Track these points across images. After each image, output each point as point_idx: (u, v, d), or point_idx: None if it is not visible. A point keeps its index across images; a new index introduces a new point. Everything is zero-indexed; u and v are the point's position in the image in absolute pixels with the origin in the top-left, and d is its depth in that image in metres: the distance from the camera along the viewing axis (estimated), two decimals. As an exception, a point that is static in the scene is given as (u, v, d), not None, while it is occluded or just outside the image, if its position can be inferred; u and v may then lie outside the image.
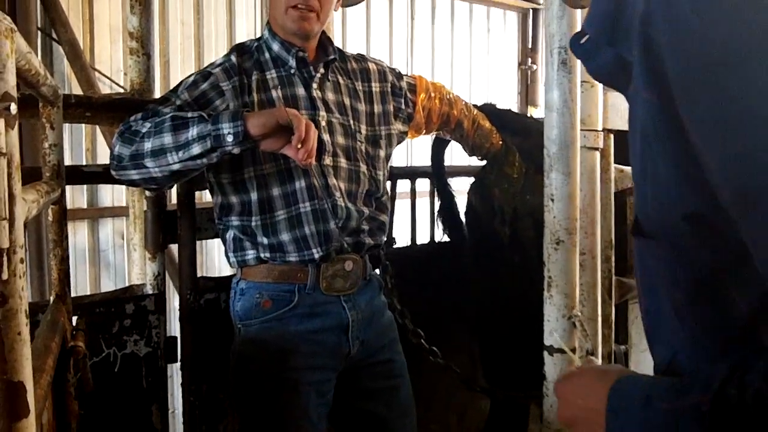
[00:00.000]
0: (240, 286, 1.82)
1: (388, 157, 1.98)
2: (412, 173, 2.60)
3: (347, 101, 1.89)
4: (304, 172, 1.75)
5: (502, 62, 7.06)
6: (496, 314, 2.38)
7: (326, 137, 1.80)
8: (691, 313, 0.70)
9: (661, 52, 0.62)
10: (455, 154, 2.87)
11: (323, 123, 1.81)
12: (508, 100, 6.86)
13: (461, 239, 2.43)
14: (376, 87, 1.97)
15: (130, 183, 1.68)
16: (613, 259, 1.96)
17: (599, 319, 1.85)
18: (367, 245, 1.87)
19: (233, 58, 1.78)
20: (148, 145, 1.59)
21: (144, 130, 1.62)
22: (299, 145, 1.57)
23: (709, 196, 0.62)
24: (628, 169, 2.05)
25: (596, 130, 1.80)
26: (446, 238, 2.50)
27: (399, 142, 2.06)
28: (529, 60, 7.15)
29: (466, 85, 6.67)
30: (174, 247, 2.09)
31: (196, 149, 1.56)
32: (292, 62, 1.80)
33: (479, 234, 2.38)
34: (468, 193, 2.46)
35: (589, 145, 1.78)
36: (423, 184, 2.55)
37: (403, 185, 2.56)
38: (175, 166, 1.59)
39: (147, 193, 2.00)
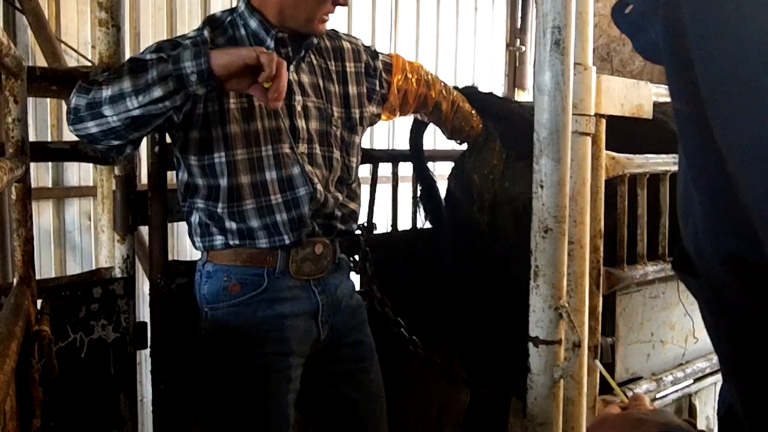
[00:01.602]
0: (207, 269, 1.82)
1: (359, 142, 2.00)
2: (393, 157, 2.60)
3: (321, 82, 1.89)
4: (276, 161, 1.75)
5: (490, 43, 7.05)
6: (476, 304, 2.40)
7: (301, 123, 1.81)
8: (739, 375, 0.60)
9: (690, 46, 0.51)
10: (439, 138, 2.86)
11: (298, 108, 1.81)
12: (495, 82, 6.86)
13: (442, 226, 2.45)
14: (350, 67, 1.97)
15: (89, 138, 1.60)
16: (601, 249, 1.97)
17: (586, 310, 1.87)
18: (338, 230, 1.89)
19: (206, 33, 1.75)
20: (106, 93, 1.52)
21: (101, 78, 1.56)
22: (268, 84, 1.54)
23: (752, 234, 0.50)
24: (620, 156, 2.06)
25: (588, 115, 1.80)
26: (428, 225, 2.52)
27: (371, 125, 2.07)
28: (518, 41, 7.14)
29: (451, 66, 6.66)
30: (144, 229, 2.08)
31: (157, 92, 1.50)
32: (270, 43, 1.78)
33: (458, 221, 2.40)
34: (448, 179, 2.47)
35: (581, 130, 1.79)
36: (405, 169, 2.54)
37: (384, 169, 2.55)
38: (135, 112, 1.52)
39: (116, 171, 1.98)
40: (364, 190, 2.12)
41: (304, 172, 1.79)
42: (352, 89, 1.96)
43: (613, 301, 2.16)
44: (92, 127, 1.55)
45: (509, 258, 2.20)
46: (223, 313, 1.79)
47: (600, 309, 2.00)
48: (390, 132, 6.06)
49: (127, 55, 1.80)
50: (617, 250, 2.12)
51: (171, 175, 2.03)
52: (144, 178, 2.07)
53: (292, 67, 1.82)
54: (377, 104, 2.05)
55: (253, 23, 1.78)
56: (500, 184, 2.28)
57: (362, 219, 2.15)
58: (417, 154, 2.46)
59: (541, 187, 1.70)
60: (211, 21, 1.81)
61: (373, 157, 2.52)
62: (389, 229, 2.63)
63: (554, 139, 1.68)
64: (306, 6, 1.76)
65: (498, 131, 2.31)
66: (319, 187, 1.80)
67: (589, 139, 1.82)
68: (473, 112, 2.30)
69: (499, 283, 2.27)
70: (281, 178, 1.76)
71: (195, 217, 1.82)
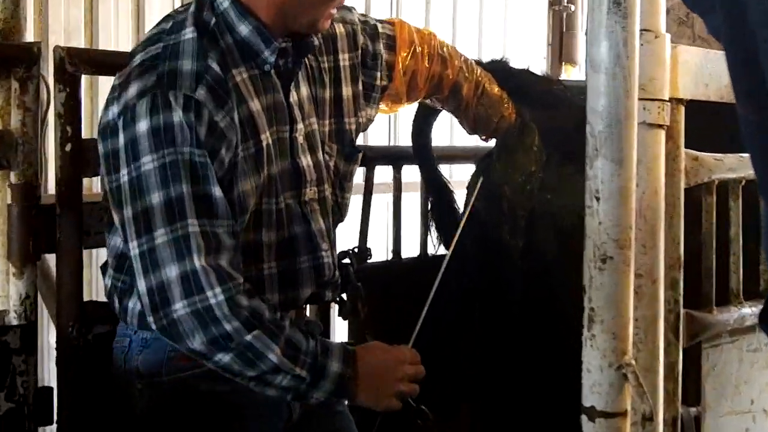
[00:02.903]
0: (142, 336, 1.90)
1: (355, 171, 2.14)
2: (395, 157, 2.63)
3: (313, 90, 2.02)
4: (279, 218, 1.93)
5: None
6: (507, 361, 2.40)
7: (306, 161, 1.95)
8: None
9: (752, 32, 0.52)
10: (457, 131, 2.85)
11: (300, 140, 1.95)
12: (533, 55, 6.86)
13: (461, 253, 2.40)
14: (343, 60, 2.07)
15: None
16: (681, 284, 1.95)
17: (660, 369, 1.83)
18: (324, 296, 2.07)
19: (212, 59, 1.82)
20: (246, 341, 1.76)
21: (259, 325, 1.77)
22: None
23: None
24: (705, 155, 2.05)
25: (662, 100, 1.79)
26: (442, 251, 2.54)
27: (363, 130, 2.19)
28: (565, -2, 7.12)
29: (474, 34, 6.66)
30: (51, 258, 2.08)
31: (271, 390, 1.81)
32: (270, 56, 1.87)
33: (482, 248, 2.39)
34: (467, 189, 2.47)
35: (651, 120, 1.78)
36: (411, 173, 2.53)
37: (383, 174, 2.55)
38: (234, 369, 1.77)
39: (11, 178, 1.99)
40: (356, 202, 2.16)
41: (312, 235, 1.94)
42: (346, 90, 2.06)
43: (697, 356, 2.15)
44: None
45: (552, 297, 2.22)
46: (167, 389, 1.86)
47: (680, 367, 1.98)
48: (390, 122, 6.03)
49: (30, 20, 1.84)
50: (702, 286, 2.11)
51: (88, 184, 2.05)
52: (51, 187, 2.12)
53: (292, 84, 1.95)
54: (375, 102, 2.16)
55: (244, 29, 1.86)
56: (540, 196, 2.28)
57: (352, 240, 2.23)
58: (423, 153, 2.47)
59: (597, 199, 1.69)
60: (198, 24, 1.86)
61: (367, 157, 2.48)
62: (389, 257, 2.65)
63: (614, 135, 1.66)
64: (314, 4, 1.88)
65: (537, 123, 2.32)
66: (326, 256, 1.97)
67: (662, 133, 1.81)
68: (503, 96, 2.32)
69: (539, 333, 2.27)
70: (281, 240, 1.91)
71: (132, 302, 1.90)
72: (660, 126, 1.81)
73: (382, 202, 2.62)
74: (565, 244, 2.15)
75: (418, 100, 2.28)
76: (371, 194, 2.58)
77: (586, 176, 1.70)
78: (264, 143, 1.87)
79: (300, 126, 1.94)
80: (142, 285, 1.75)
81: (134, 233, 1.75)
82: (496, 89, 2.32)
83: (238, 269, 1.79)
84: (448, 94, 2.25)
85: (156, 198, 1.73)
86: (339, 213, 2.05)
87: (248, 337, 1.72)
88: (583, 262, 1.70)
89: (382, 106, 2.20)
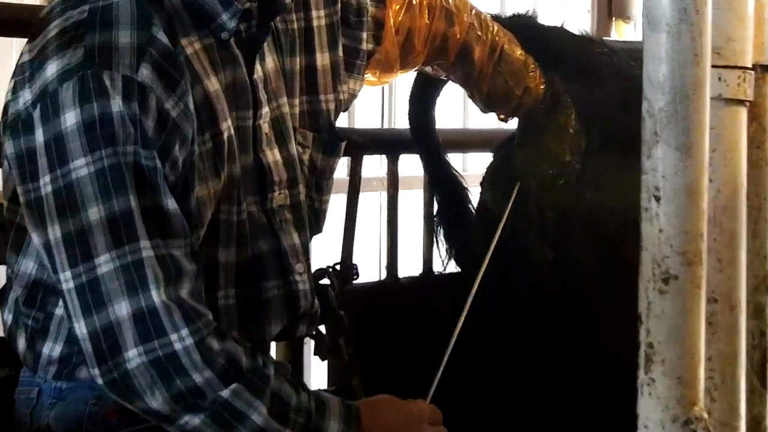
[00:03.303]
0: (55, 386, 1.90)
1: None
2: (390, 143, 2.65)
3: (280, 60, 2.00)
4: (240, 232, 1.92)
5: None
6: (536, 410, 2.38)
7: (272, 157, 1.94)
8: None
9: None
10: (471, 111, 2.85)
11: (266, 128, 1.94)
12: (572, 7, 6.86)
13: (476, 268, 2.39)
14: (318, 18, 2.05)
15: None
16: (768, 311, 1.91)
17: (742, 424, 1.82)
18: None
19: (156, 27, 1.79)
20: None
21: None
22: None
23: None
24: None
25: (743, 68, 1.77)
26: (453, 268, 2.57)
27: (345, 110, 2.20)
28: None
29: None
30: None
31: None
32: (229, 21, 1.85)
33: (502, 260, 2.37)
34: (481, 185, 2.50)
35: (729, 94, 1.76)
36: (411, 165, 2.56)
37: (374, 165, 2.53)
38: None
39: None
40: (338, 203, 2.22)
41: (282, 254, 1.94)
42: (321, 59, 2.05)
43: (790, 406, 2.13)
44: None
45: (594, 327, 2.23)
46: None
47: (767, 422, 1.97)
48: (384, 97, 5.95)
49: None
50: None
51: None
52: None
53: (257, 56, 1.94)
54: (359, 72, 2.15)
55: None
56: (577, 193, 2.28)
57: (333, 255, 2.28)
58: (425, 138, 2.50)
59: (657, 199, 1.66)
60: None
61: (353, 144, 2.47)
62: (382, 276, 2.67)
63: (679, 113, 1.64)
64: None
65: (573, 98, 2.32)
66: (301, 282, 1.97)
67: (743, 112, 1.79)
68: (528, 62, 2.32)
69: (578, 373, 2.28)
70: (242, 260, 1.92)
71: (47, 347, 1.90)
72: (740, 102, 1.78)
73: (373, 203, 2.59)
74: (612, 258, 2.16)
75: (416, 68, 2.28)
76: (358, 192, 2.55)
77: (642, 169, 1.67)
78: (225, 135, 1.85)
79: (265, 110, 1.94)
80: (82, 328, 1.73)
81: (67, 260, 1.73)
82: (518, 53, 2.33)
83: (203, 301, 1.79)
84: (455, 60, 2.25)
85: (95, 214, 1.70)
86: (315, 223, 2.05)
87: (225, 393, 1.73)
88: (638, 283, 1.67)
89: (369, 76, 2.19)
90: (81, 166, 1.69)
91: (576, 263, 2.27)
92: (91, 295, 1.70)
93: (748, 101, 1.80)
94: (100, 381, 1.74)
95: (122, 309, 1.69)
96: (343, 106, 2.16)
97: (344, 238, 2.49)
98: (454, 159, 2.55)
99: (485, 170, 2.52)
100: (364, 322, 2.29)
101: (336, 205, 2.11)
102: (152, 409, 1.71)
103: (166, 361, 1.69)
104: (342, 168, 2.63)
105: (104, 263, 1.70)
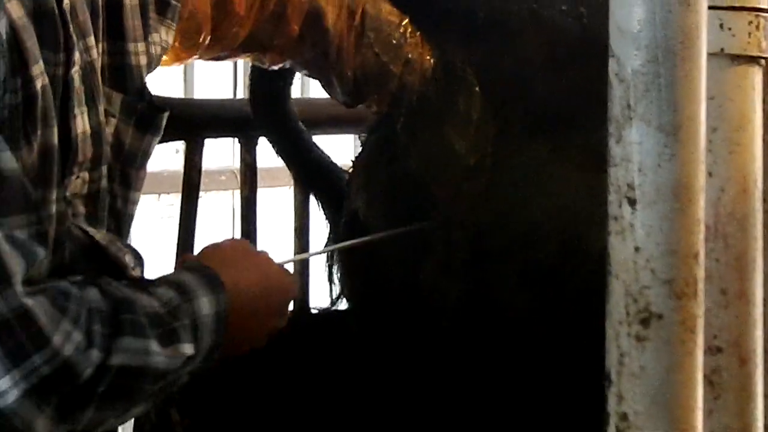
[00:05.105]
0: None
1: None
2: (242, 121, 2.47)
3: None
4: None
5: None
6: None
7: (81, 126, 1.71)
8: None
9: None
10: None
11: (77, 82, 1.70)
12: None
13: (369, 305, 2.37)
14: None
15: None
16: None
17: None
18: None
19: None
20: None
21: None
22: None
23: None
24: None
25: (756, 9, 1.53)
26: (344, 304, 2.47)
27: (154, 68, 2.05)
28: None
29: None
30: None
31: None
32: None
33: (378, 295, 2.32)
34: (347, 186, 2.41)
35: (736, 49, 1.53)
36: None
37: (220, 154, 2.40)
38: None
39: None
40: (167, 208, 2.08)
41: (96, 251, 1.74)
42: None
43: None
44: None
45: (526, 394, 2.09)
46: None
47: None
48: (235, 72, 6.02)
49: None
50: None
51: None
52: None
53: None
54: (174, 19, 1.98)
55: None
56: (492, 202, 2.12)
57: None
58: (276, 116, 2.36)
59: (631, 203, 1.47)
60: None
61: (187, 118, 2.41)
62: None
63: (663, 76, 1.45)
64: None
65: (476, 68, 2.16)
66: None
67: (757, 73, 1.56)
68: (404, 23, 2.16)
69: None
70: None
71: None
72: (752, 59, 1.55)
73: (222, 207, 2.40)
74: (554, 292, 1.97)
75: (240, 51, 2.14)
76: (197, 192, 2.34)
77: (609, 159, 1.48)
78: (38, 84, 1.58)
79: (77, 55, 1.68)
80: None
81: None
82: (388, 11, 2.17)
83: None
84: (299, 33, 2.09)
85: None
86: (116, 230, 1.83)
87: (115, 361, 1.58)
88: (603, 328, 1.47)
89: (165, 55, 2.01)
90: None
91: (495, 301, 2.03)
92: None
93: (763, 58, 1.58)
94: None
95: None
96: (156, 62, 1.94)
97: (177, 257, 2.29)
98: (325, 142, 2.44)
99: (352, 163, 2.37)
100: (207, 384, 2.08)
101: (163, 210, 1.77)
102: None
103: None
104: (177, 158, 2.39)
105: None
